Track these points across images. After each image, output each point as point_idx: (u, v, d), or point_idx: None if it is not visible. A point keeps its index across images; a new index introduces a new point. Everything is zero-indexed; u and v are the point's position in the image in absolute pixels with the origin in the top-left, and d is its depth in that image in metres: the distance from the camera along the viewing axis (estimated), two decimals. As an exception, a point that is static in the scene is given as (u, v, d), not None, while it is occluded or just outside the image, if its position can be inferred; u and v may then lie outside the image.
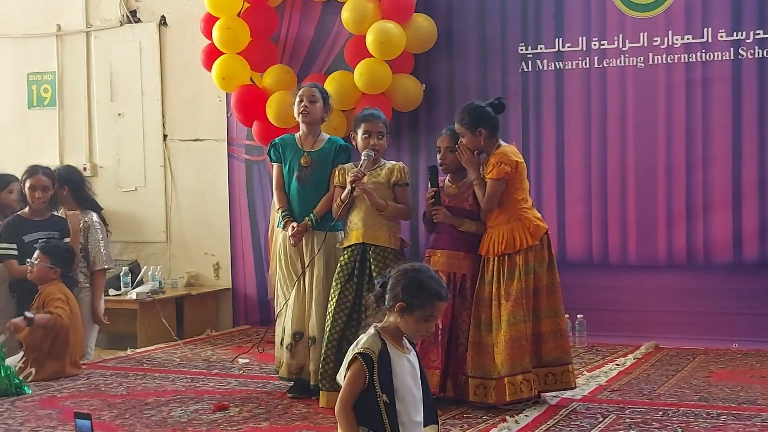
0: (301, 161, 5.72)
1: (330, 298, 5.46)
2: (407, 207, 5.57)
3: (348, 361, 3.53)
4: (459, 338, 5.37)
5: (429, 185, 5.57)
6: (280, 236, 5.79)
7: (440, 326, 5.31)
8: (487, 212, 5.35)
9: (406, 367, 3.54)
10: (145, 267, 8.44)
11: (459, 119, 5.41)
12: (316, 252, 5.62)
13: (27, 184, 6.64)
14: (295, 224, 5.66)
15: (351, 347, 3.59)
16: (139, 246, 8.90)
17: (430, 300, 3.53)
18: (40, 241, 6.49)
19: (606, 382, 5.89)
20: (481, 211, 5.39)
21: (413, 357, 3.60)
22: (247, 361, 6.82)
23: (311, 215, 5.64)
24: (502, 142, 5.42)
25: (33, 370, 6.15)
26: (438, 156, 5.54)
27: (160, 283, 8.20)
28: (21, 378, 5.94)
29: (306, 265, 5.64)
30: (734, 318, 7.04)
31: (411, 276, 3.56)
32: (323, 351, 5.40)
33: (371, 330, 3.57)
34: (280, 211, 5.78)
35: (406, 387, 3.51)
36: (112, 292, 7.90)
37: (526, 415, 5.07)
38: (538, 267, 5.29)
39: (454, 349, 5.37)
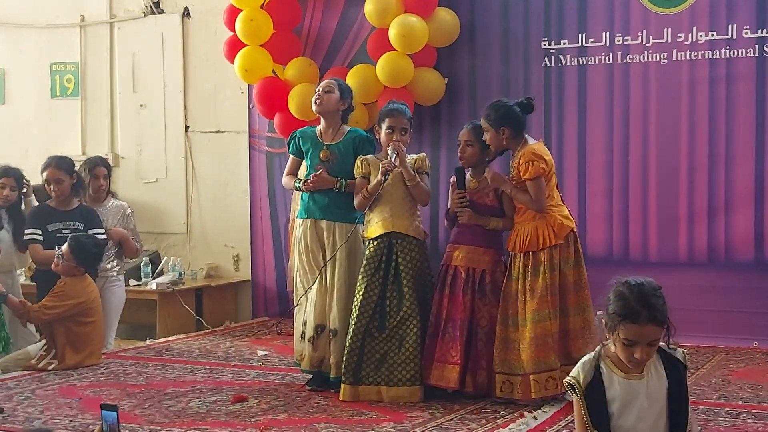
0: (320, 155, 5.73)
1: (356, 291, 5.46)
2: (428, 191, 5.61)
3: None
4: (478, 334, 5.36)
5: (452, 187, 5.56)
6: (300, 228, 5.80)
7: (459, 321, 5.32)
8: (541, 211, 5.28)
9: (628, 396, 3.16)
10: (166, 258, 8.47)
11: (485, 115, 5.39)
12: (340, 244, 5.62)
13: (43, 177, 6.70)
14: (322, 171, 5.63)
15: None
16: (159, 237, 8.93)
17: (622, 320, 3.10)
18: (64, 232, 6.55)
19: (625, 379, 5.86)
20: (535, 212, 5.33)
21: (649, 382, 3.19)
22: (266, 352, 6.84)
23: (342, 180, 5.61)
24: (529, 139, 5.39)
25: (54, 361, 6.18)
26: (458, 149, 5.55)
27: (180, 274, 8.22)
28: (37, 360, 6.17)
29: (328, 258, 5.65)
30: (755, 317, 7.01)
31: (615, 290, 3.17)
32: (348, 345, 5.40)
33: (595, 351, 3.25)
34: (294, 182, 5.81)
35: (624, 418, 3.17)
36: (132, 282, 7.93)
37: (544, 411, 5.07)
38: (564, 264, 5.27)
39: (473, 344, 5.36)
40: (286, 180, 5.93)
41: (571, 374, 3.23)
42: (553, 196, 5.36)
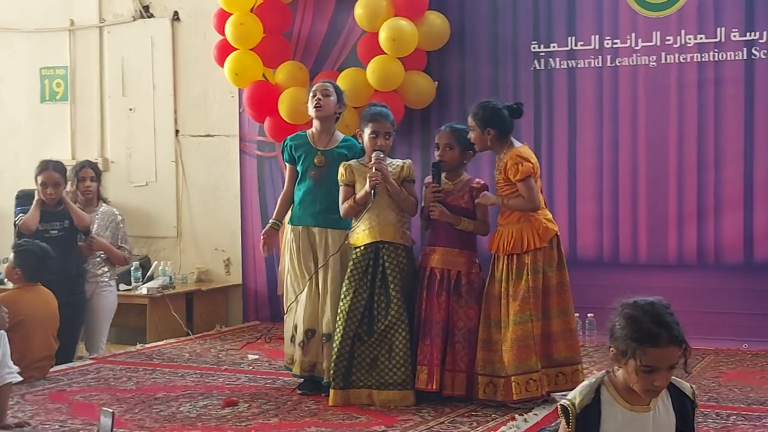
0: (315, 161, 5.71)
1: (343, 297, 5.45)
2: (416, 200, 5.59)
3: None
4: (455, 336, 5.37)
5: (425, 185, 5.58)
6: (291, 233, 5.80)
7: (435, 323, 5.34)
8: (536, 210, 5.29)
9: (629, 429, 2.90)
10: (156, 262, 8.46)
11: (473, 113, 5.41)
12: (332, 251, 5.62)
13: (39, 180, 6.68)
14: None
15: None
16: (149, 241, 8.92)
17: (640, 345, 2.81)
18: (51, 232, 6.55)
19: (615, 381, 5.87)
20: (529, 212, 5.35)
21: (656, 415, 2.92)
22: (257, 357, 6.83)
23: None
24: (515, 142, 5.42)
25: None
26: (436, 153, 5.55)
27: (170, 278, 8.21)
28: None
29: (321, 264, 5.64)
30: (744, 318, 7.03)
31: (624, 314, 2.92)
32: (336, 349, 5.38)
33: (596, 376, 3.00)
34: (271, 221, 5.91)
35: None
36: (122, 287, 7.91)
37: (535, 414, 5.08)
38: (547, 267, 5.29)
39: (450, 346, 5.37)
40: (280, 201, 5.87)
41: (567, 397, 2.99)
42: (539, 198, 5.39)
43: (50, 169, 6.67)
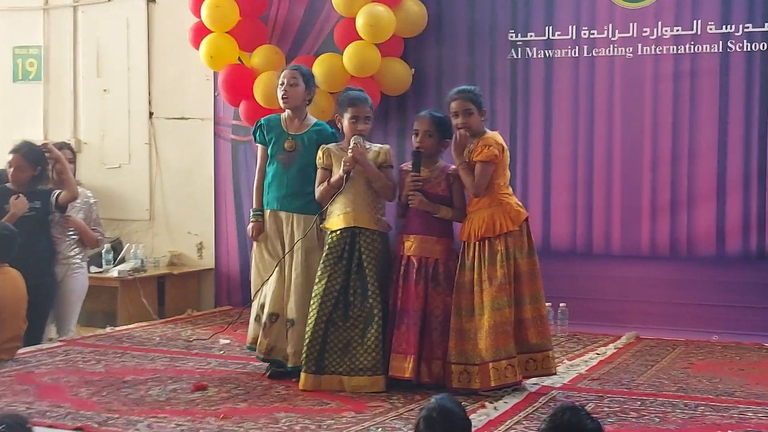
0: (285, 145, 5.70)
1: (317, 280, 5.42)
2: (394, 185, 5.57)
3: None
4: (432, 323, 5.37)
5: (402, 173, 5.55)
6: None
7: (412, 311, 5.33)
8: (476, 196, 5.33)
9: None
10: (128, 245, 8.41)
11: (469, 97, 5.37)
12: (298, 237, 5.61)
13: (9, 158, 6.66)
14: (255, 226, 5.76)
15: None
16: (121, 223, 8.86)
17: None
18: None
19: (586, 371, 5.89)
20: (471, 195, 5.39)
21: None
22: (228, 341, 6.80)
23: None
24: (486, 129, 5.44)
25: None
26: (415, 139, 5.50)
27: (142, 261, 8.16)
28: None
29: (287, 251, 5.63)
30: (715, 310, 7.06)
31: None
32: (309, 334, 5.36)
33: None
34: (252, 211, 5.83)
35: None
36: (93, 269, 7.85)
37: (505, 402, 5.07)
38: (518, 253, 5.30)
39: (427, 334, 5.36)
40: (257, 185, 5.80)
41: None
42: (507, 184, 5.42)
43: (20, 154, 6.66)
